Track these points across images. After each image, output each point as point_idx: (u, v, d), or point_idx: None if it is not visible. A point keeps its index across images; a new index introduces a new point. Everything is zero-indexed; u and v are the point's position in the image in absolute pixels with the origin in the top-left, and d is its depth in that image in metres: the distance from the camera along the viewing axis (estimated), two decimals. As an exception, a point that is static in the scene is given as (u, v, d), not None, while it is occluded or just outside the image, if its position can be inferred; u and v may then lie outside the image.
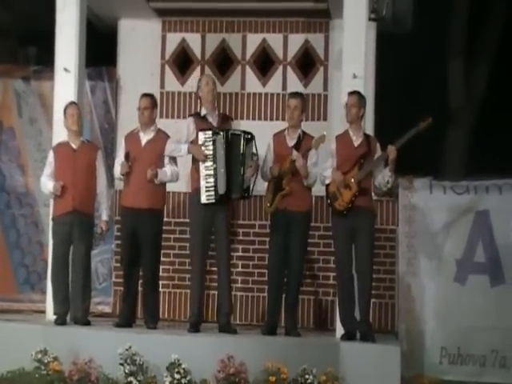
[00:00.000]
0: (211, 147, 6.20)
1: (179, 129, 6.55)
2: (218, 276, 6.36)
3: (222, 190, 6.17)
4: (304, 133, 6.39)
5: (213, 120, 6.37)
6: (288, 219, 6.24)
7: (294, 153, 6.27)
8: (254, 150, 6.29)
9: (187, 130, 6.38)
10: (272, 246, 6.38)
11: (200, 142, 6.24)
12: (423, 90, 9.38)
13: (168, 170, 6.39)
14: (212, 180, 6.19)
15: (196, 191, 6.26)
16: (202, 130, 6.29)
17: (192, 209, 6.42)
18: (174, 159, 6.44)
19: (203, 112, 6.41)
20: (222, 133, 6.22)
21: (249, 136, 6.28)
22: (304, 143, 6.31)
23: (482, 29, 9.61)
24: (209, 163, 6.21)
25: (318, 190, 6.53)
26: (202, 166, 6.23)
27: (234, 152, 6.20)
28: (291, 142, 6.36)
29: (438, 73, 9.51)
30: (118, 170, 6.44)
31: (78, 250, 6.34)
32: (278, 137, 6.43)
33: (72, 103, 6.56)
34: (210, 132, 6.25)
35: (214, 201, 6.19)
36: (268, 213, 6.45)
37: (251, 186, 6.29)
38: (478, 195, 6.59)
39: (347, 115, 6.24)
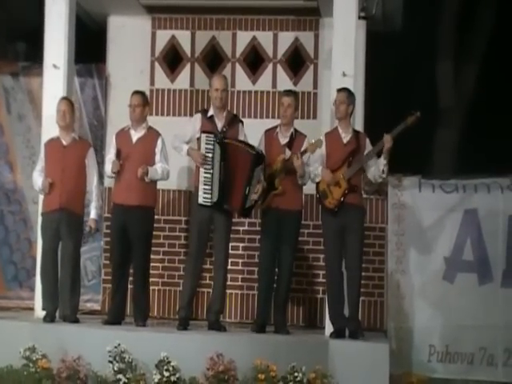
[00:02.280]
0: (211, 152, 6.19)
1: (186, 124, 6.52)
2: (213, 274, 6.33)
3: (214, 198, 6.16)
4: (296, 131, 6.39)
5: (219, 121, 6.32)
6: (279, 218, 6.23)
7: (287, 152, 6.27)
8: (262, 174, 6.20)
9: (193, 126, 6.35)
10: (263, 245, 6.37)
11: (202, 144, 6.23)
12: (412, 89, 9.41)
13: (159, 168, 6.37)
14: (209, 183, 6.19)
15: (196, 190, 6.26)
16: (205, 131, 6.26)
17: (192, 206, 6.44)
18: (165, 157, 6.43)
19: (210, 112, 6.38)
20: (220, 143, 6.15)
21: (255, 152, 6.15)
22: (296, 142, 6.31)
23: (472, 28, 9.64)
24: (208, 166, 6.20)
25: (308, 188, 6.54)
26: (201, 168, 6.22)
27: (235, 164, 6.13)
28: (283, 140, 6.35)
29: (428, 71, 9.54)
30: (108, 168, 6.42)
31: (66, 247, 6.32)
32: (270, 134, 6.42)
33: (63, 99, 6.54)
34: (212, 137, 6.21)
35: (209, 204, 6.19)
36: (260, 210, 6.45)
37: (253, 206, 6.23)
38: (466, 194, 6.63)
39: (336, 112, 6.25)
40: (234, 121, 6.38)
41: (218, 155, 6.17)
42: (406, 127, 6.08)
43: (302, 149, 6.24)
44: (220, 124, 6.30)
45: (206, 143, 6.21)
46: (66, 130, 6.43)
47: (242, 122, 6.47)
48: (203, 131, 6.26)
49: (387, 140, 6.06)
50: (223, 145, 6.17)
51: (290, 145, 6.30)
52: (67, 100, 6.55)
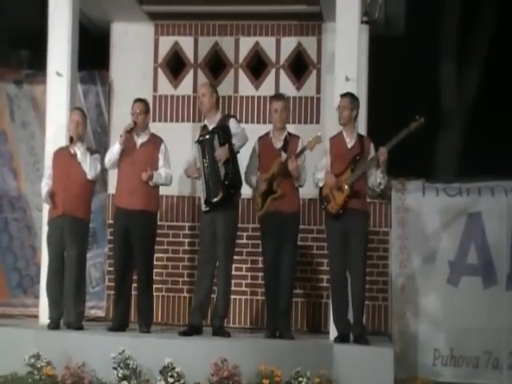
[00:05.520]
0: (200, 157, 6.27)
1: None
2: (216, 280, 6.32)
3: (203, 198, 6.22)
4: (289, 134, 6.40)
5: (210, 126, 6.34)
6: (279, 221, 6.22)
7: (283, 155, 6.26)
8: (220, 140, 6.12)
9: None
10: (265, 250, 6.35)
11: (196, 155, 6.31)
12: (415, 92, 9.41)
13: (163, 172, 6.40)
14: (203, 189, 6.24)
15: None
16: (196, 142, 6.37)
17: (200, 215, 6.53)
18: (168, 162, 6.45)
19: (204, 121, 6.46)
20: (199, 142, 6.25)
21: (213, 129, 6.18)
22: (291, 144, 6.32)
23: (473, 31, 9.64)
24: (201, 173, 6.27)
25: (312, 193, 6.53)
26: (199, 179, 6.33)
27: (211, 154, 6.18)
28: (278, 144, 6.35)
29: (430, 75, 9.54)
30: (114, 147, 6.38)
31: (70, 253, 6.32)
32: (264, 140, 6.42)
33: (76, 109, 6.59)
34: (196, 144, 6.31)
35: (208, 209, 6.22)
36: (258, 216, 6.44)
37: (230, 174, 6.10)
38: (470, 197, 6.61)
39: (340, 118, 6.24)
40: (224, 120, 6.37)
41: (201, 155, 6.24)
42: (409, 133, 6.05)
43: (299, 148, 6.25)
44: (211, 128, 6.32)
45: (197, 151, 6.30)
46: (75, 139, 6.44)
47: (233, 117, 6.49)
48: (195, 142, 6.35)
49: (381, 153, 6.03)
50: (201, 143, 6.24)
51: (285, 148, 6.30)
52: (81, 111, 6.59)
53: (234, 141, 6.20)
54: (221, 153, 6.12)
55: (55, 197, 6.34)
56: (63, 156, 6.44)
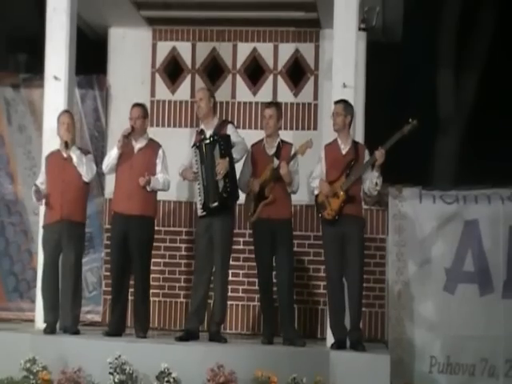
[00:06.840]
0: (197, 162, 6.27)
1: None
2: (213, 286, 6.31)
3: (200, 204, 6.22)
4: (282, 141, 6.42)
5: (207, 131, 6.36)
6: (272, 228, 6.21)
7: (276, 161, 6.27)
8: (221, 150, 6.15)
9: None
10: (259, 257, 6.34)
11: (192, 159, 6.31)
12: (412, 99, 9.43)
13: (160, 177, 6.39)
14: (200, 194, 6.24)
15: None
16: (192, 146, 6.35)
17: (196, 220, 6.53)
18: (166, 168, 6.45)
19: (201, 126, 6.46)
20: (197, 147, 6.26)
21: (215, 137, 6.21)
22: (283, 151, 6.33)
23: (471, 38, 9.68)
24: (199, 178, 6.27)
25: (309, 199, 6.52)
26: (195, 183, 6.33)
27: (211, 162, 6.19)
28: (271, 151, 6.37)
29: (428, 82, 9.56)
30: (112, 152, 6.36)
31: (67, 258, 6.31)
32: (257, 147, 6.44)
33: (65, 111, 6.56)
34: (194, 148, 6.31)
35: (204, 214, 6.22)
36: (250, 223, 6.43)
37: (228, 188, 6.13)
38: (467, 205, 6.64)
39: (333, 124, 6.26)
40: (221, 125, 6.40)
41: (199, 160, 6.24)
42: (402, 136, 6.07)
43: (292, 153, 6.27)
44: (209, 133, 6.33)
45: (194, 155, 6.29)
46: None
47: (231, 123, 6.53)
48: (192, 146, 6.35)
49: (379, 155, 6.05)
50: (199, 148, 6.24)
51: (277, 154, 6.32)
52: (69, 113, 6.58)
53: (235, 154, 6.23)
54: (221, 166, 6.13)
55: (51, 202, 6.33)
56: (57, 160, 6.43)
